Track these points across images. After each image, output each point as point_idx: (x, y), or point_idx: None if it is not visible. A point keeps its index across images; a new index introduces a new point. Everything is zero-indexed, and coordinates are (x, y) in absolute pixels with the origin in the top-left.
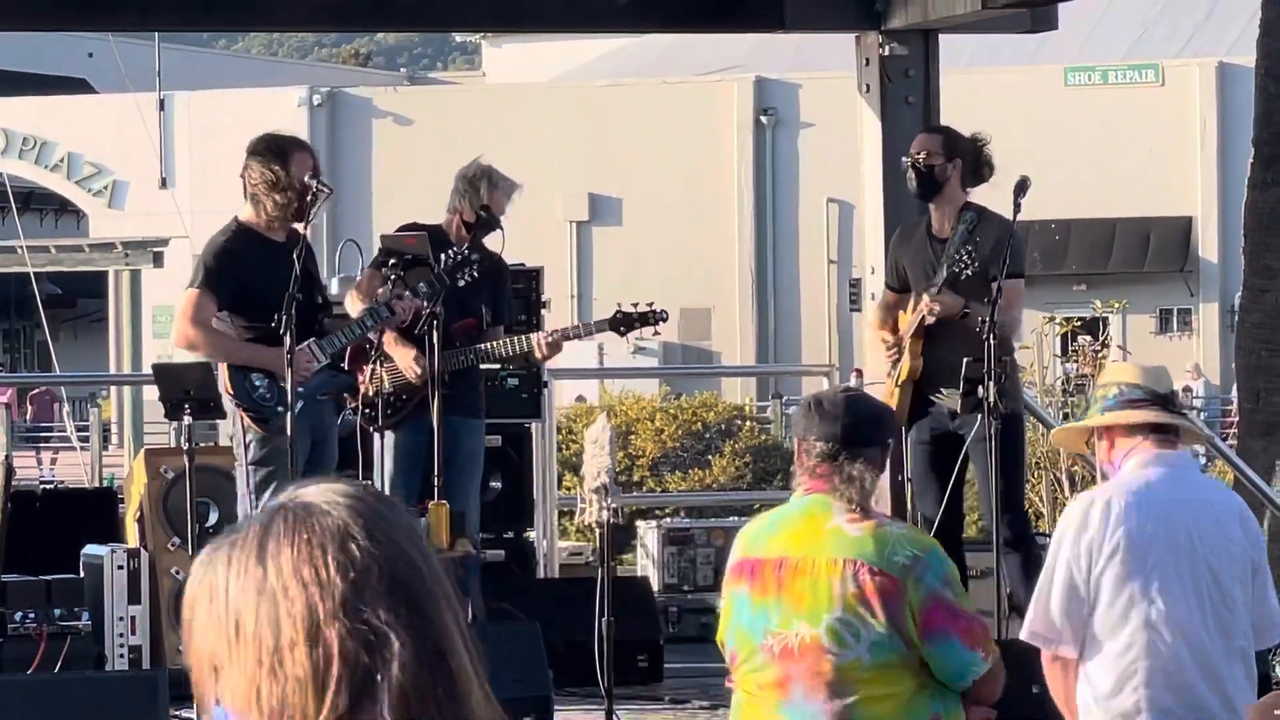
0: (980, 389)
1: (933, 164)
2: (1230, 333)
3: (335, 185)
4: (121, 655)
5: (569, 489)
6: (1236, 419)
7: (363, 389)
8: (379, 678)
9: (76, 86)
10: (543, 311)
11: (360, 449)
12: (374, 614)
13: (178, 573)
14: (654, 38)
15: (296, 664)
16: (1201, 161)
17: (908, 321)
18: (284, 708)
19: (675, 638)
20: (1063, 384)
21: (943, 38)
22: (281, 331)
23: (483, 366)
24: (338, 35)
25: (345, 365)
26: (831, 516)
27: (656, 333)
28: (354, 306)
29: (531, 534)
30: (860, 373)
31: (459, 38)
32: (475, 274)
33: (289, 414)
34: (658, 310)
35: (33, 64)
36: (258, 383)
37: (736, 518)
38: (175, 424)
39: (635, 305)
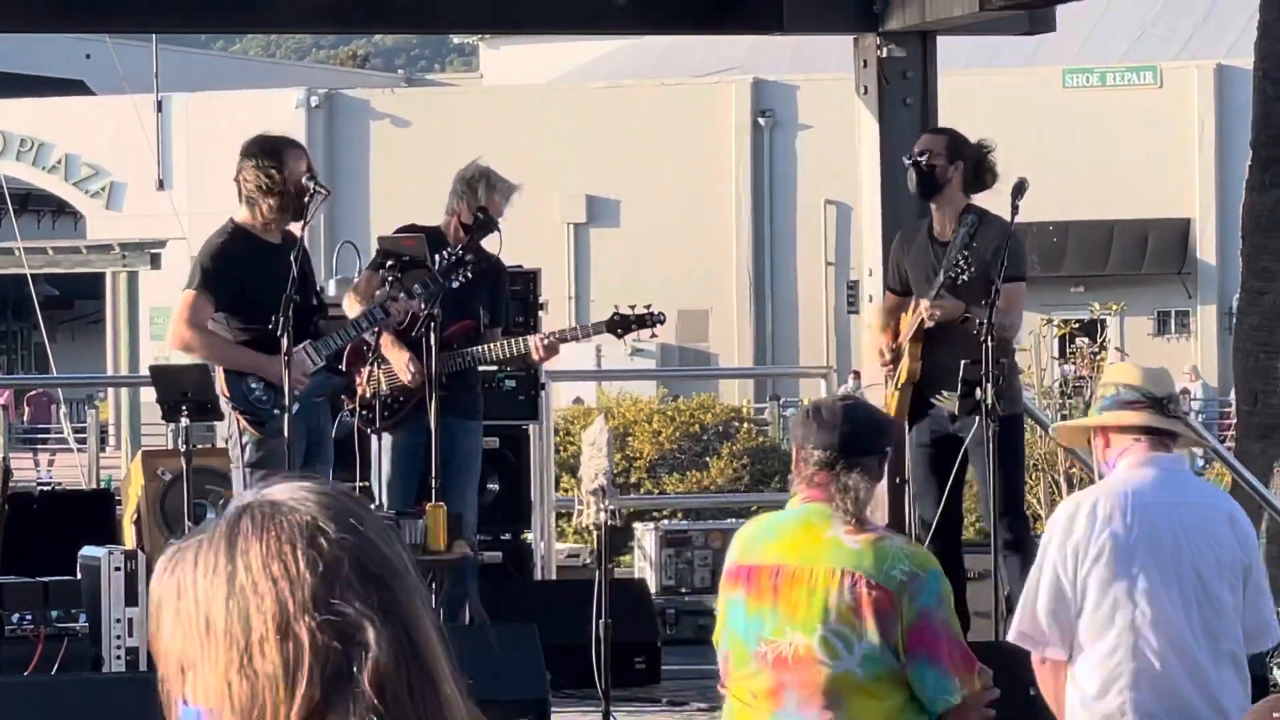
0: (978, 391)
1: (934, 164)
2: (1228, 335)
3: (333, 187)
4: (119, 657)
5: (566, 491)
6: (1234, 421)
7: (360, 391)
8: (354, 669)
9: (74, 88)
10: (540, 313)
11: (358, 451)
12: (345, 606)
13: None
14: (651, 39)
15: (267, 660)
16: (1199, 163)
17: (908, 324)
18: (256, 703)
19: (672, 639)
20: (1060, 386)
21: (941, 39)
22: (279, 333)
23: (480, 368)
24: (335, 37)
25: (343, 368)
26: (829, 526)
27: (654, 335)
28: (351, 308)
29: (529, 536)
30: (858, 374)
31: (456, 39)
32: (469, 275)
33: (285, 416)
34: (655, 312)
35: (30, 65)
36: (254, 385)
37: (734, 519)
38: (173, 426)
39: (633, 307)
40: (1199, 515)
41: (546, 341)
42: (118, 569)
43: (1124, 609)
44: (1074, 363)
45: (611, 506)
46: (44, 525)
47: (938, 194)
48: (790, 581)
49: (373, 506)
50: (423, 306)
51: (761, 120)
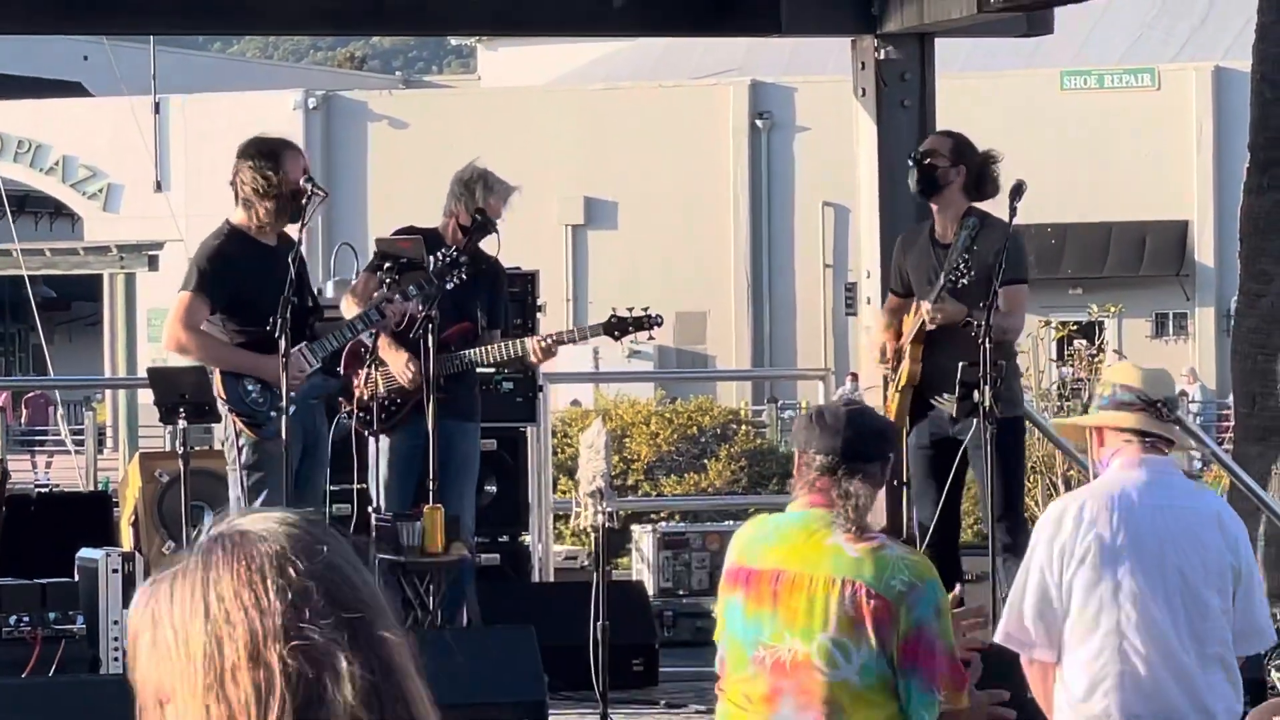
0: (976, 393)
1: (936, 165)
2: (1226, 337)
3: (330, 188)
4: (116, 659)
5: (564, 493)
6: (1232, 424)
7: (358, 393)
8: (325, 695)
9: (71, 90)
10: (538, 315)
11: (355, 453)
12: (315, 633)
13: None
14: (649, 41)
15: (240, 687)
16: (1197, 165)
17: (909, 326)
18: None
19: (670, 642)
20: (1058, 388)
21: (938, 41)
22: (277, 335)
23: (478, 370)
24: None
25: (341, 370)
26: (831, 533)
27: (651, 337)
28: (349, 310)
29: (526, 538)
30: (855, 377)
31: (454, 41)
32: (464, 276)
33: (283, 418)
34: (652, 315)
35: (28, 67)
36: (250, 387)
37: (732, 522)
38: (170, 428)
39: (630, 310)
40: (1185, 519)
41: (545, 344)
42: (115, 571)
43: (1109, 611)
44: (1072, 365)
45: (609, 509)
46: (41, 527)
47: (937, 195)
48: (790, 588)
49: (370, 509)
50: (420, 308)
51: (759, 122)
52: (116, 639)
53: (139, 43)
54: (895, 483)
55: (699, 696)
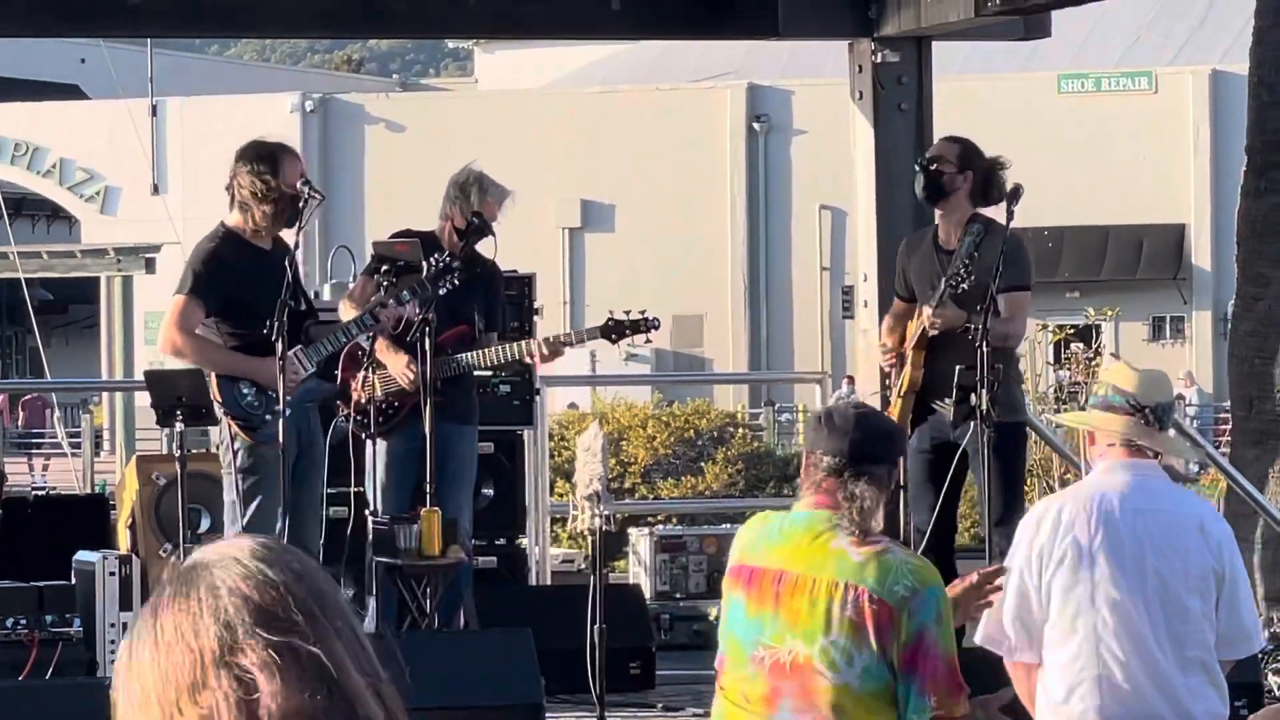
0: (973, 397)
1: (943, 170)
2: (1223, 340)
3: (327, 191)
4: (113, 662)
5: (561, 496)
6: (1229, 427)
7: (355, 396)
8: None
9: (69, 92)
10: (535, 318)
11: (353, 456)
12: (252, 656)
13: None
14: (646, 44)
15: (188, 717)
16: (1194, 169)
17: (911, 332)
18: None
19: (667, 645)
20: (1055, 391)
21: (936, 45)
22: (274, 338)
23: (476, 373)
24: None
25: (339, 373)
26: (835, 536)
27: (648, 340)
28: (347, 314)
29: (523, 541)
30: (852, 380)
31: (451, 44)
32: (455, 283)
33: (279, 422)
34: (649, 318)
35: (25, 69)
36: (245, 390)
37: (729, 525)
38: (167, 430)
39: (627, 313)
40: (1165, 523)
41: (550, 344)
42: (112, 574)
43: (1086, 615)
44: (1069, 368)
45: (606, 512)
46: (38, 530)
47: (943, 201)
48: (792, 589)
49: (367, 512)
50: (417, 311)
51: (756, 125)
52: (113, 642)
53: (136, 45)
54: (893, 486)
55: (696, 700)
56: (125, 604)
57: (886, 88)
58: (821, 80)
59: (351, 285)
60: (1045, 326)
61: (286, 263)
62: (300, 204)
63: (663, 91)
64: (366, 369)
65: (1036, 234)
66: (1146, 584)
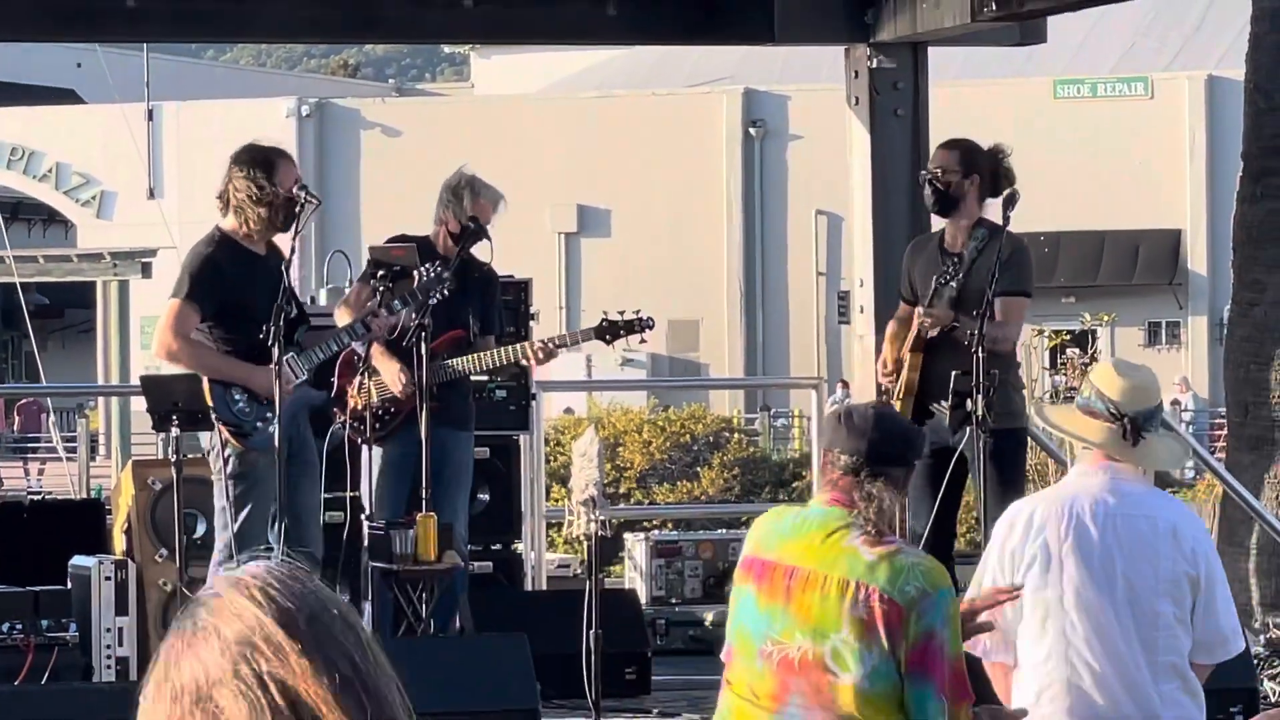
0: (968, 402)
1: (949, 180)
2: (1219, 346)
3: (323, 196)
4: (109, 666)
5: (557, 501)
6: (1225, 432)
7: (351, 402)
8: None
9: (65, 97)
10: (531, 323)
11: (349, 462)
12: (228, 694)
13: (165, 584)
14: (642, 49)
15: None
16: (1190, 174)
17: (909, 334)
18: None
19: (663, 650)
20: (1051, 397)
21: (932, 50)
22: (270, 344)
23: (472, 378)
24: (326, 46)
25: (335, 380)
26: (849, 534)
27: (643, 340)
28: (342, 320)
29: (519, 546)
30: (846, 385)
31: (448, 49)
32: (445, 293)
33: (272, 427)
34: (644, 317)
35: (21, 74)
36: (237, 396)
37: (724, 530)
38: (163, 435)
39: (621, 313)
40: (1138, 527)
41: (546, 347)
42: (108, 578)
43: (1055, 617)
44: (1064, 373)
45: (602, 517)
46: (34, 534)
47: (955, 210)
48: (803, 585)
49: (363, 517)
50: (413, 317)
51: (752, 130)
52: (109, 646)
53: (132, 50)
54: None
55: (692, 705)
56: (121, 609)
57: (882, 93)
58: (818, 85)
59: (347, 291)
60: (1041, 332)
61: (284, 268)
62: (296, 208)
63: (659, 96)
64: (362, 375)
65: (1032, 239)
66: (1116, 588)
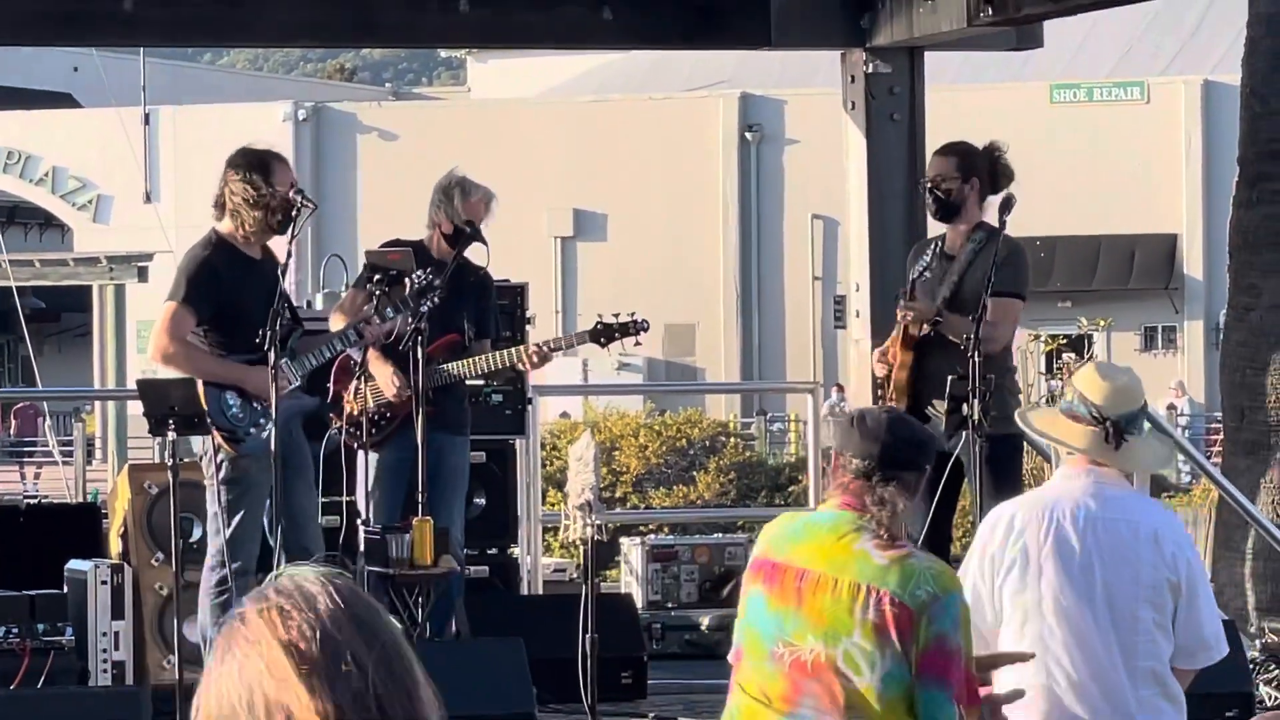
0: (964, 406)
1: (949, 188)
2: (1215, 350)
3: (320, 200)
4: (105, 671)
5: (553, 505)
6: (1221, 437)
7: (347, 407)
8: None
9: (61, 101)
10: (528, 327)
11: (345, 467)
12: (303, 693)
13: (161, 588)
14: (639, 54)
15: None
16: (1186, 179)
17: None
18: None
19: (659, 654)
20: (1047, 401)
21: (928, 55)
22: (266, 348)
23: (468, 382)
24: (323, 51)
25: (330, 385)
26: (860, 538)
27: (638, 343)
28: (337, 325)
29: (515, 550)
30: (841, 388)
31: (444, 53)
32: (436, 300)
33: (265, 433)
34: (638, 320)
35: (17, 78)
36: (231, 401)
37: (721, 534)
38: (159, 439)
39: (616, 316)
40: (1119, 531)
41: (540, 351)
42: (104, 583)
43: (1033, 621)
44: (1060, 378)
45: (598, 521)
46: (30, 538)
47: (957, 216)
48: (814, 588)
49: (359, 521)
50: (409, 322)
51: (749, 135)
52: (105, 650)
53: (129, 54)
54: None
55: (688, 709)
56: (117, 613)
57: (879, 98)
58: (814, 90)
59: (343, 296)
60: (1038, 336)
61: (280, 272)
62: (292, 211)
63: (655, 101)
64: (358, 379)
65: (1028, 243)
66: (1095, 593)
